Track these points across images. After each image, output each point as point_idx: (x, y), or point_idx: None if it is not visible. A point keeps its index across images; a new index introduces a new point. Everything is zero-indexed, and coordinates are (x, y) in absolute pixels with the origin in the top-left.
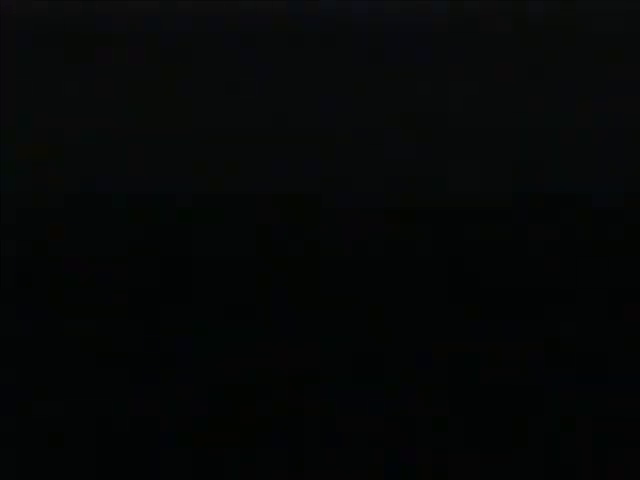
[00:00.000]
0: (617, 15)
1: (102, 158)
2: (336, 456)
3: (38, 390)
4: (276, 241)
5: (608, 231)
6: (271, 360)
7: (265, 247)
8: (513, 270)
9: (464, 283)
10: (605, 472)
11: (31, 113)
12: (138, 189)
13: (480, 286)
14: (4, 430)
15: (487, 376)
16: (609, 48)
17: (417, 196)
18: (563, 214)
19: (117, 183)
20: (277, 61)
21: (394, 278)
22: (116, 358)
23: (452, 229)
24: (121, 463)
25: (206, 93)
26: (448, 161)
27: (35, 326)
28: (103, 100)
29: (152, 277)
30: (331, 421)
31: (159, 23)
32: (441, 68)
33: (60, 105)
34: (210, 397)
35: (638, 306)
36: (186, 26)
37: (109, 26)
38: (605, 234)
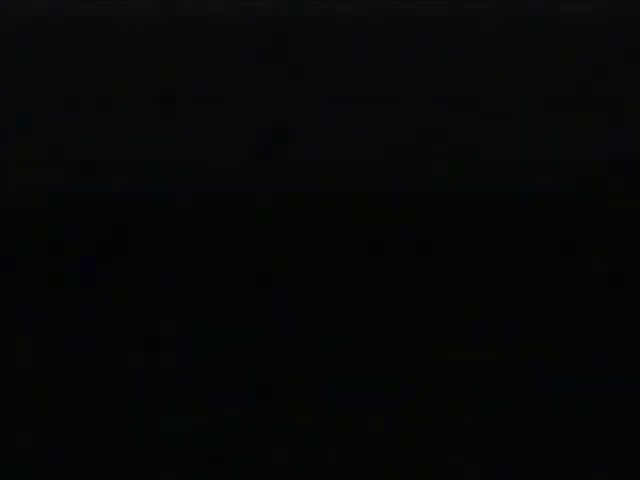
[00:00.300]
0: (617, 15)
1: (102, 158)
2: (336, 456)
3: (37, 390)
4: (276, 241)
5: (608, 231)
6: (271, 360)
7: (265, 247)
8: (513, 270)
9: (464, 283)
10: (605, 472)
11: (31, 113)
12: (138, 189)
13: (480, 286)
14: (4, 430)
15: (487, 376)
16: (609, 48)
17: (418, 196)
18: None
19: (117, 183)
20: (277, 61)
21: (394, 278)
22: (116, 358)
23: (452, 229)
24: (121, 463)
25: (206, 93)
26: (447, 161)
27: (35, 326)
28: (103, 100)
29: (152, 277)
30: (330, 421)
31: (159, 23)
32: (440, 67)
33: (60, 105)
34: (210, 397)
35: (638, 306)
36: (186, 26)
37: (109, 26)
38: (605, 234)
